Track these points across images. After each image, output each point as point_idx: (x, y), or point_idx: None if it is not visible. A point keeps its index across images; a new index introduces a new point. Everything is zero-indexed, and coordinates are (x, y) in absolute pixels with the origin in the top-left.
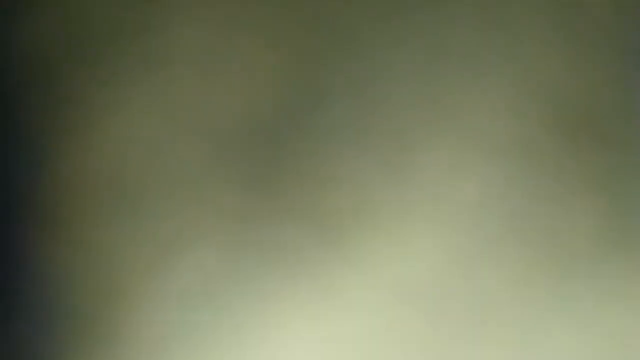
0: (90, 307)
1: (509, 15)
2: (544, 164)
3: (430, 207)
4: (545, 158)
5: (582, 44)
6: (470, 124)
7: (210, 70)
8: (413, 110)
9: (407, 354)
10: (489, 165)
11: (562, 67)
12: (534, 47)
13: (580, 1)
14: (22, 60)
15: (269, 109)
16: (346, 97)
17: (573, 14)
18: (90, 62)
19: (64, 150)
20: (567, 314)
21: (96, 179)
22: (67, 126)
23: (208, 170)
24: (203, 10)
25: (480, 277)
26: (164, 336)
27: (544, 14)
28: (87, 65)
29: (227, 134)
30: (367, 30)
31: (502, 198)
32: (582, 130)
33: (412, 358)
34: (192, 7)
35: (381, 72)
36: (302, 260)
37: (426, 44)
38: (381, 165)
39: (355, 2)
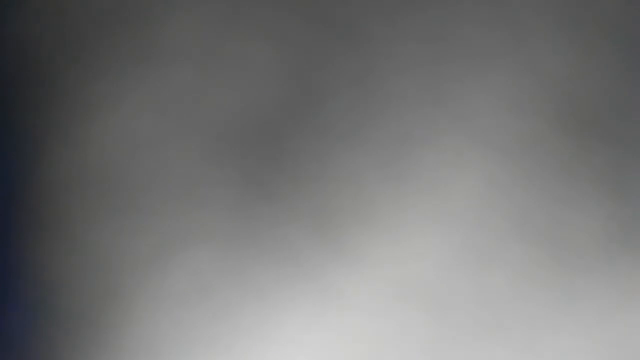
0: (86, 308)
1: (514, 13)
2: (550, 162)
3: (433, 206)
4: (551, 156)
5: (589, 42)
6: (474, 122)
7: (207, 67)
8: (416, 109)
9: (409, 354)
10: (493, 164)
11: (568, 64)
12: (539, 44)
13: None
14: (13, 57)
15: (267, 106)
16: (347, 95)
17: (579, 11)
18: (85, 58)
19: (57, 149)
20: (573, 313)
21: (91, 178)
22: (61, 124)
23: (205, 169)
24: (199, 5)
25: (484, 277)
26: (160, 337)
27: (550, 12)
28: (81, 62)
29: (224, 132)
30: (369, 27)
31: (507, 197)
32: (588, 129)
33: (414, 358)
34: (188, 3)
35: (383, 69)
36: (301, 260)
37: (430, 41)
38: (383, 163)
39: None
